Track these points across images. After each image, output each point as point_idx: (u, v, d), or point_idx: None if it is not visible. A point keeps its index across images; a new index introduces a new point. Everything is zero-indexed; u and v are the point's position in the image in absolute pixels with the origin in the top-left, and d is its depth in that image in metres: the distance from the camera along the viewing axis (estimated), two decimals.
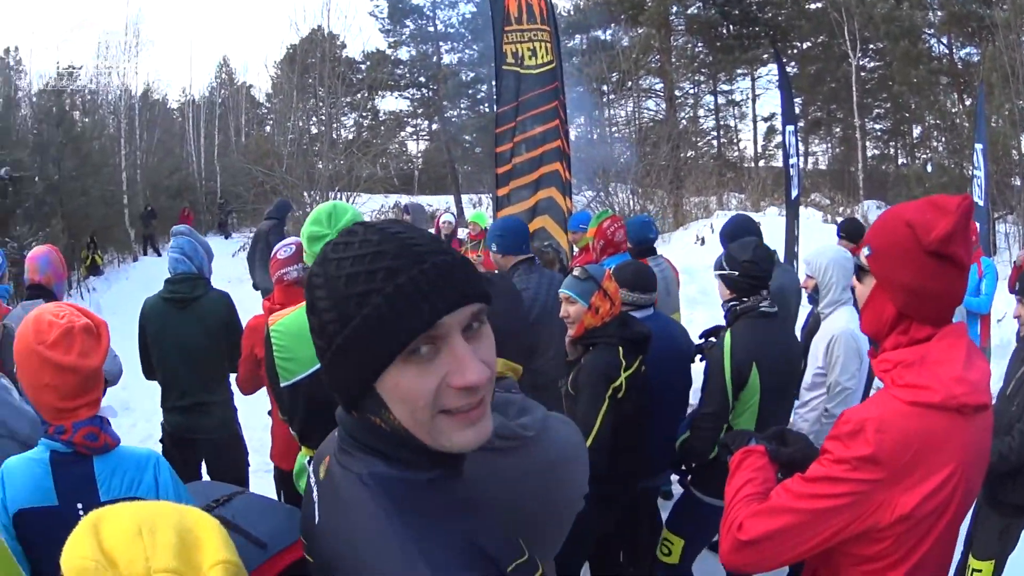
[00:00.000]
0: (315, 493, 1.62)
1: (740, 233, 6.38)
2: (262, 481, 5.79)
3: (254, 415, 6.23)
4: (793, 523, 2.39)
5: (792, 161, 9.25)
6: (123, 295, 18.33)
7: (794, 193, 9.25)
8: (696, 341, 5.30)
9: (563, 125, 11.47)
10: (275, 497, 5.08)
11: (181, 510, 1.27)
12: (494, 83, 11.74)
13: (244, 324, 5.45)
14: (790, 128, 9.28)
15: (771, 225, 8.17)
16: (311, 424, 3.70)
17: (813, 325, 6.48)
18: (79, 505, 2.64)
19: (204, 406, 5.56)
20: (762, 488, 2.64)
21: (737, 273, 4.57)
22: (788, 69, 38.91)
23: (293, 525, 3.19)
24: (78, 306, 2.82)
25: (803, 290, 6.94)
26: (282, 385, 3.68)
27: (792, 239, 9.03)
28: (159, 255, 31.64)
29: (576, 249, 9.19)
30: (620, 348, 4.27)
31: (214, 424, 5.59)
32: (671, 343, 5.04)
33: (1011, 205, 26.08)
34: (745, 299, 4.59)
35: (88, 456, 2.67)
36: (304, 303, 2.94)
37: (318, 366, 3.27)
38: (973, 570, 4.53)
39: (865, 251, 2.44)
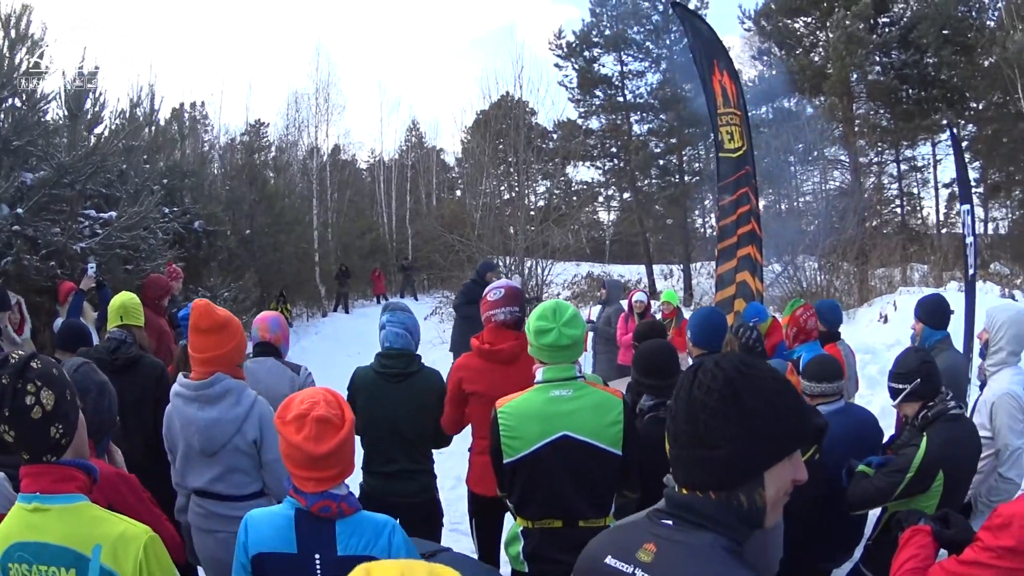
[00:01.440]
0: (643, 574, 1.99)
1: (940, 314, 6.70)
2: (454, 542, 6.10)
3: (442, 478, 6.38)
4: None
5: (968, 241, 9.12)
6: (311, 350, 19.11)
7: (970, 272, 9.06)
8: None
9: (755, 208, 12.17)
10: (468, 519, 5.86)
11: (431, 565, 1.60)
12: (713, 167, 12.43)
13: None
14: (966, 207, 9.25)
15: (950, 300, 8.37)
16: (527, 497, 4.28)
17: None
18: (317, 556, 3.09)
19: (408, 473, 5.83)
20: (923, 564, 3.15)
21: (919, 380, 4.72)
22: (966, 131, 38.63)
23: None
24: (337, 395, 3.25)
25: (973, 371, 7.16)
26: (505, 463, 4.26)
27: (971, 319, 8.91)
28: (347, 313, 33.41)
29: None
30: None
31: (415, 490, 5.84)
32: (859, 433, 5.36)
33: None
34: (930, 403, 4.73)
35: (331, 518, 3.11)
36: (528, 392, 4.23)
37: (539, 445, 4.12)
38: None
39: None
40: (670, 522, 2.02)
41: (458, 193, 46.63)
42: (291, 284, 29.93)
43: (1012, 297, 20.39)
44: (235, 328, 4.86)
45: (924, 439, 4.62)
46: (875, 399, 11.28)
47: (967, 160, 40.12)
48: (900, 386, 4.81)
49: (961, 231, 9.08)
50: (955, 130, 10.20)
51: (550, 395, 4.22)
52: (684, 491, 2.04)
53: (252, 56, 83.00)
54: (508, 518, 5.25)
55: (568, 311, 4.34)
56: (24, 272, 10.50)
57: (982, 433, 5.08)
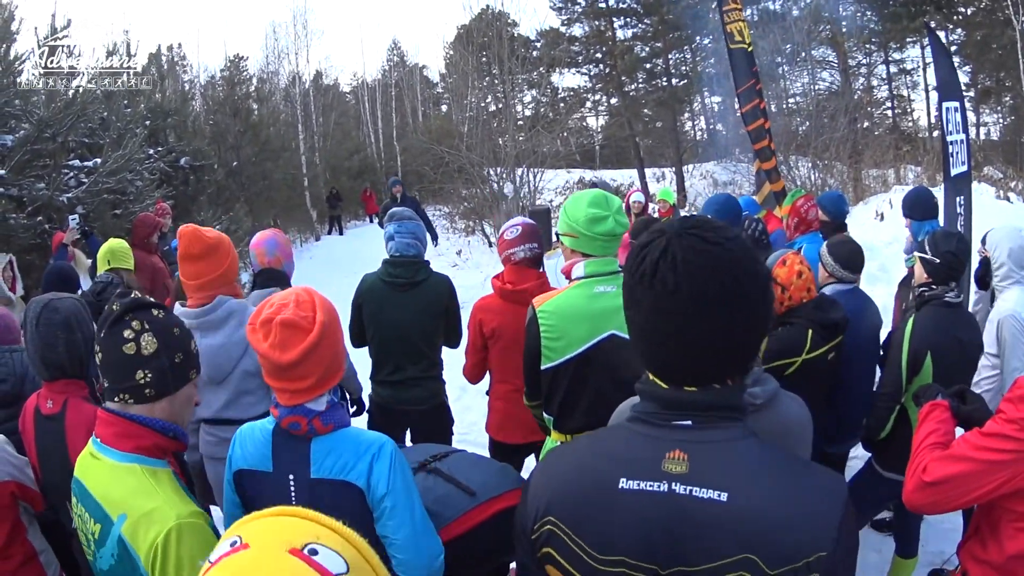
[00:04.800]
0: (685, 487, 1.76)
1: (922, 206, 6.88)
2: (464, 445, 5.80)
3: (451, 390, 6.30)
4: (969, 470, 2.82)
5: (954, 138, 8.81)
6: (307, 274, 18.23)
7: (955, 171, 8.81)
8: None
9: (763, 103, 11.99)
10: None
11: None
12: (729, 66, 12.00)
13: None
14: (951, 104, 8.87)
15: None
16: (570, 406, 4.03)
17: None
18: (291, 476, 2.91)
19: (416, 380, 5.80)
20: (944, 438, 3.11)
21: (939, 261, 4.80)
22: (955, 36, 38.85)
23: (503, 479, 3.75)
24: (313, 295, 2.99)
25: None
26: (544, 368, 3.98)
27: (954, 216, 8.72)
28: (341, 234, 33.74)
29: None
30: (809, 330, 4.56)
31: (424, 396, 5.85)
32: (864, 317, 5.36)
33: None
34: (935, 287, 4.84)
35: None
36: (568, 288, 3.96)
37: (586, 346, 3.87)
38: None
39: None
40: (688, 422, 1.84)
41: (444, 108, 46.40)
42: (282, 211, 30.37)
43: (1007, 199, 20.67)
44: (227, 247, 4.74)
45: (912, 317, 4.81)
46: (875, 295, 11.14)
47: (956, 64, 40.56)
48: (926, 250, 4.91)
49: (943, 129, 8.76)
50: (933, 26, 9.93)
51: (595, 291, 3.94)
52: (691, 388, 1.85)
53: None
54: (529, 463, 5.39)
55: (616, 200, 4.10)
56: (12, 231, 10.59)
57: (990, 350, 5.27)
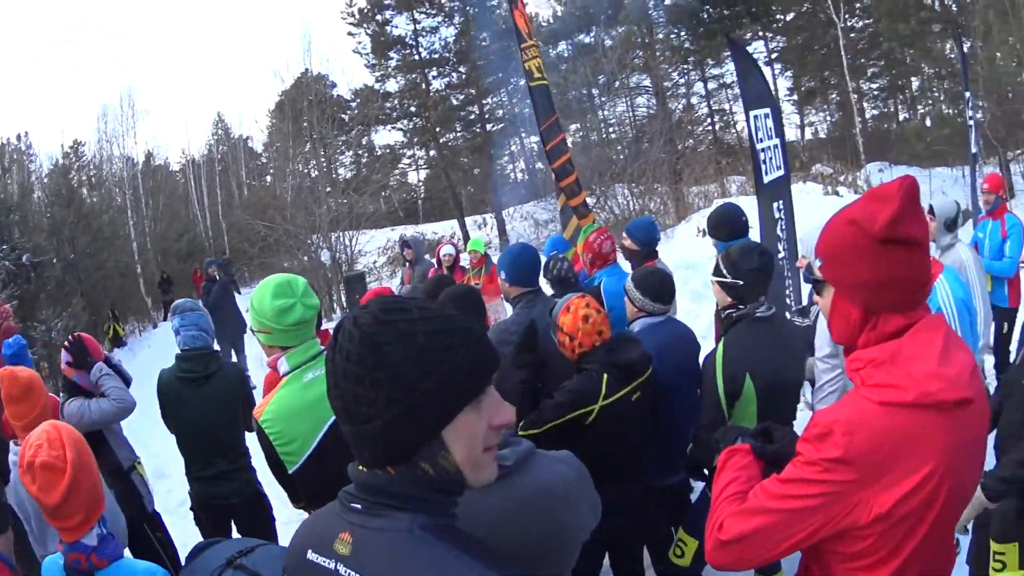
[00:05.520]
0: (345, 569, 1.76)
1: (727, 225, 6.80)
2: (291, 532, 6.17)
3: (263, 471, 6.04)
4: (770, 523, 2.49)
5: (766, 144, 9.00)
6: (148, 363, 18.29)
7: (769, 177, 8.97)
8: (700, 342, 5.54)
9: (564, 135, 12.33)
10: None
11: None
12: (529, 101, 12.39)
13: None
14: (760, 112, 9.00)
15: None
16: (324, 496, 3.53)
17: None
18: None
19: (226, 474, 5.91)
20: (745, 487, 2.74)
21: (742, 283, 4.63)
22: (775, 43, 40.93)
23: None
24: (60, 430, 3.08)
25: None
26: (291, 472, 3.86)
27: (772, 222, 8.91)
28: None
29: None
30: (604, 375, 4.45)
31: (237, 488, 5.95)
32: (678, 348, 5.22)
33: None
34: (742, 306, 4.67)
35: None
36: (279, 387, 3.80)
37: (317, 440, 3.75)
38: (995, 553, 4.50)
39: (817, 263, 2.56)
40: (359, 506, 1.82)
41: (268, 179, 46.32)
42: (118, 300, 29.85)
43: (836, 194, 22.15)
44: (39, 385, 4.83)
45: (721, 341, 4.64)
46: (701, 312, 12.06)
47: (779, 70, 42.26)
48: (724, 273, 4.71)
49: (752, 139, 8.84)
50: (748, 37, 9.96)
51: (304, 381, 3.86)
52: (363, 469, 1.85)
53: (63, 76, 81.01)
54: None
55: (301, 283, 4.02)
56: None
57: (822, 352, 5.37)
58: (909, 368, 2.26)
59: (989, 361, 9.83)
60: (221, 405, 5.83)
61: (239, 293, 33.27)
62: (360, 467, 1.84)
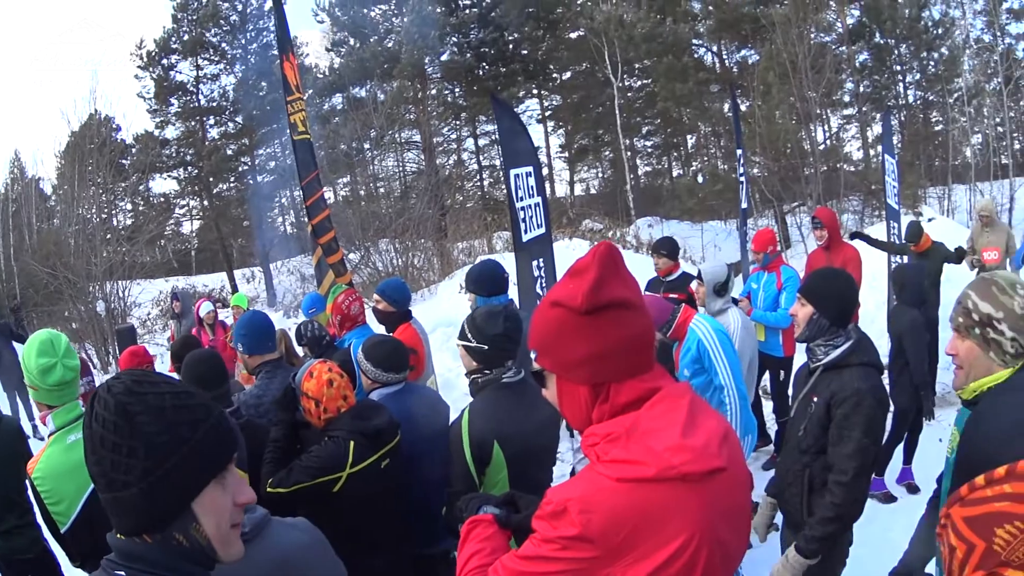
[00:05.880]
0: None
1: (487, 280, 6.87)
2: None
3: None
4: None
5: (527, 203, 9.03)
6: None
7: (528, 236, 8.96)
8: None
9: (322, 191, 12.33)
10: None
11: None
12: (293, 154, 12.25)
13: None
14: (522, 171, 8.98)
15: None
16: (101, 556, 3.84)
17: None
18: None
19: (17, 529, 5.71)
20: (488, 559, 2.66)
21: (487, 347, 4.53)
22: (549, 101, 41.84)
23: None
24: None
25: None
26: (63, 531, 3.92)
27: (531, 280, 8.91)
28: None
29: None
30: (351, 442, 4.41)
31: (26, 545, 5.77)
32: (418, 418, 5.14)
33: (805, 196, 27.39)
34: (488, 371, 4.58)
35: None
36: (47, 445, 3.86)
37: (83, 501, 3.82)
38: None
39: (533, 355, 2.45)
40: (122, 573, 1.86)
41: (55, 222, 45.16)
42: None
43: None
44: None
45: (467, 409, 4.53)
46: (463, 371, 11.21)
47: (552, 128, 43.62)
48: (468, 337, 4.62)
49: (512, 197, 8.78)
50: (500, 102, 10.03)
51: (68, 442, 3.98)
52: (121, 536, 1.89)
53: None
54: None
55: (64, 342, 4.17)
56: None
57: None
58: (648, 442, 2.18)
59: (769, 406, 10.47)
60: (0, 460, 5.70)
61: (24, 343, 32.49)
62: (118, 535, 1.87)
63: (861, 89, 33.99)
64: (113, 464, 1.78)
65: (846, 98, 34.20)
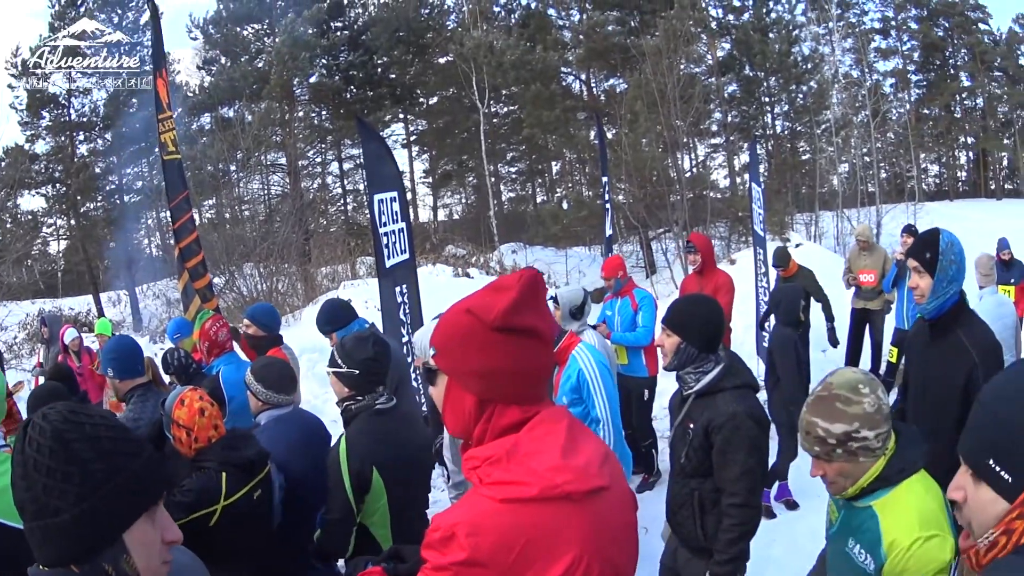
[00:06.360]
0: None
1: (337, 318, 7.00)
2: None
3: None
4: None
5: (391, 228, 9.12)
6: None
7: (392, 261, 9.03)
8: None
9: (192, 212, 12.18)
10: None
11: None
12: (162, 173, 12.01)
13: None
14: (386, 195, 9.08)
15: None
16: None
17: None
18: None
19: None
20: None
21: (358, 371, 4.59)
22: (415, 126, 42.36)
23: None
24: None
25: None
26: None
27: (395, 306, 8.98)
28: None
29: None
30: (223, 473, 4.30)
31: None
32: (312, 437, 5.24)
33: (671, 222, 28.03)
34: (361, 397, 4.64)
35: None
36: None
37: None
38: None
39: (431, 351, 2.46)
40: None
41: None
42: None
43: (467, 275, 22.30)
44: None
45: (343, 436, 4.57)
46: (329, 398, 11.40)
47: (417, 152, 44.10)
48: (339, 363, 4.68)
49: (375, 223, 8.88)
50: (369, 127, 9.96)
51: None
52: (45, 567, 1.88)
53: None
54: None
55: None
56: None
57: (454, 442, 5.39)
58: (529, 463, 2.20)
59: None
60: None
61: None
62: (41, 567, 1.88)
63: (729, 119, 34.93)
64: (45, 488, 1.79)
65: (714, 127, 35.11)
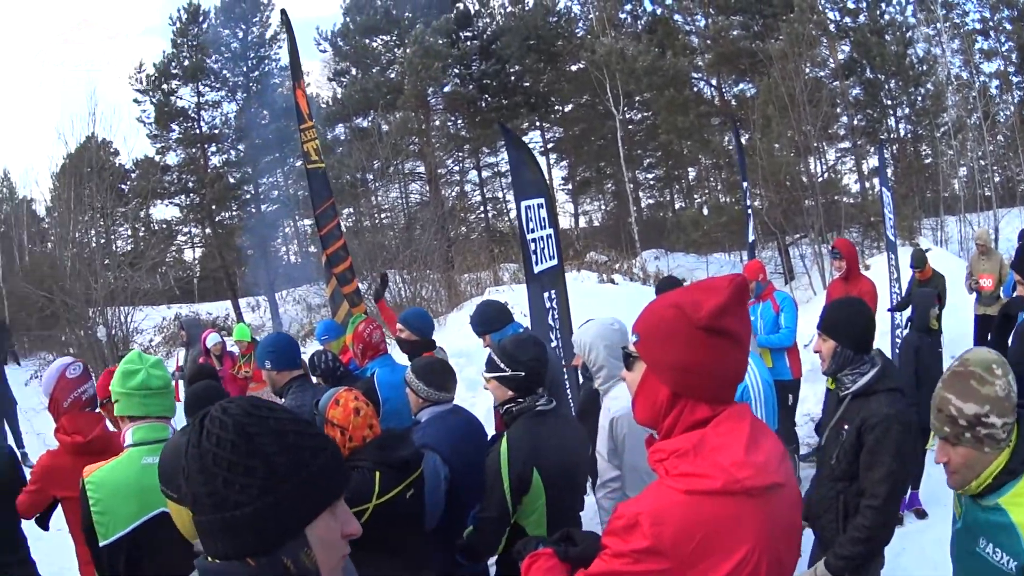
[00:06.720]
0: None
1: (493, 318, 6.90)
2: None
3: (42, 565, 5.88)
4: None
5: (539, 234, 8.92)
6: None
7: (540, 268, 8.79)
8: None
9: (338, 219, 12.06)
10: None
11: None
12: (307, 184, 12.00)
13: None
14: (533, 202, 8.92)
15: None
16: None
17: (587, 401, 6.69)
18: None
19: (4, 568, 5.41)
20: None
21: (524, 373, 4.60)
22: (551, 133, 41.82)
23: None
24: None
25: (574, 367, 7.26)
26: (101, 544, 3.82)
27: (543, 312, 8.76)
28: None
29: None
30: (377, 473, 4.27)
31: None
32: (469, 437, 5.22)
33: (807, 227, 27.50)
34: (522, 399, 4.65)
35: None
36: (119, 457, 3.90)
37: (135, 525, 3.76)
38: None
39: (633, 338, 2.52)
40: None
41: (49, 245, 44.69)
42: None
43: (612, 281, 22.09)
44: None
45: (505, 438, 4.58)
46: (477, 402, 11.65)
47: (554, 160, 43.24)
48: (501, 367, 4.67)
49: (522, 229, 8.70)
50: (507, 127, 9.96)
51: (143, 463, 3.87)
52: (213, 559, 1.84)
53: None
54: None
55: (153, 358, 4.20)
56: None
57: (606, 451, 5.15)
58: (715, 457, 2.27)
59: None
60: None
61: (19, 364, 31.96)
62: (211, 559, 1.85)
63: (855, 123, 34.49)
64: (226, 482, 1.75)
65: (841, 131, 34.63)
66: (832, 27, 33.98)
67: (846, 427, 4.71)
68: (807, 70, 29.39)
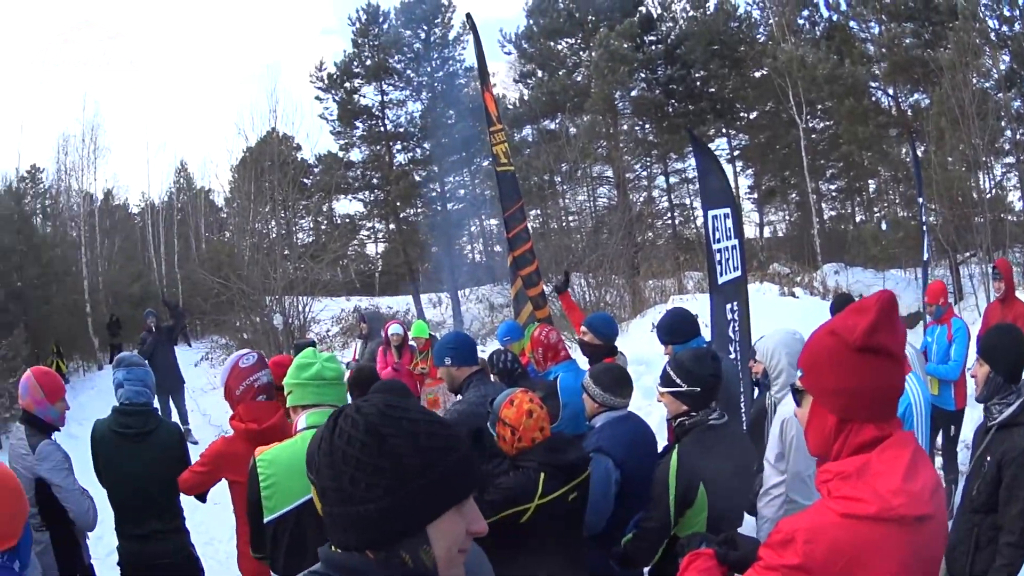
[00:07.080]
0: None
1: (680, 330, 6.69)
2: None
3: (194, 534, 6.28)
4: None
5: (724, 245, 8.71)
6: (89, 406, 16.68)
7: (724, 279, 8.61)
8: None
9: (527, 222, 12.24)
10: None
11: None
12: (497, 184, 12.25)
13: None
14: (720, 212, 8.71)
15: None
16: (294, 561, 3.92)
17: (758, 413, 6.74)
18: None
19: (159, 534, 5.71)
20: None
21: (699, 389, 4.57)
22: (737, 140, 41.23)
23: None
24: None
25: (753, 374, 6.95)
26: (266, 520, 3.98)
27: (724, 324, 8.51)
28: None
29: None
30: (542, 474, 4.32)
31: (168, 550, 5.77)
32: (641, 444, 5.27)
33: (976, 246, 26.46)
34: (695, 413, 4.60)
35: None
36: (291, 439, 4.07)
37: (301, 501, 3.88)
38: None
39: (798, 373, 2.61)
40: None
41: (227, 234, 45.69)
42: (64, 338, 28.63)
43: (793, 294, 22.19)
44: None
45: (675, 450, 4.55)
46: (653, 410, 11.33)
47: (739, 168, 42.72)
48: (677, 382, 4.65)
49: (709, 239, 8.39)
50: (695, 133, 9.93)
51: None
52: (335, 549, 1.91)
53: (21, 98, 78.44)
54: None
55: (327, 354, 4.38)
56: None
57: (774, 456, 5.21)
58: (875, 484, 2.34)
59: (936, 462, 9.83)
60: (158, 464, 5.70)
61: (189, 346, 32.85)
62: (333, 548, 1.91)
63: (1018, 137, 33.41)
64: (352, 480, 1.79)
65: (1006, 146, 33.60)
66: (992, 35, 32.99)
67: (988, 459, 4.72)
68: (974, 80, 28.61)
